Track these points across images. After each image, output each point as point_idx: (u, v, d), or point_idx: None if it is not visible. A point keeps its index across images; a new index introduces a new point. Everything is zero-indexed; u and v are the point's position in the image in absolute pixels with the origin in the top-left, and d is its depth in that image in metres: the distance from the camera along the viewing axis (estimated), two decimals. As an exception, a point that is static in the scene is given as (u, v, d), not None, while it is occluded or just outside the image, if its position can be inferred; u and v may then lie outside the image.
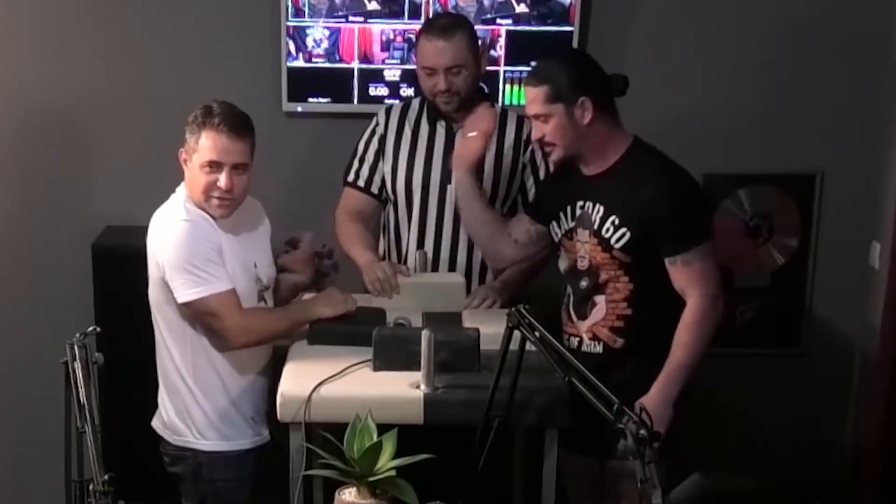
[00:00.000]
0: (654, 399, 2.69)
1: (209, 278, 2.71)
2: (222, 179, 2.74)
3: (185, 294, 2.72)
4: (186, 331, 2.80)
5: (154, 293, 2.82)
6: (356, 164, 3.34)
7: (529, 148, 3.27)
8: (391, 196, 3.33)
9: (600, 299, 2.85)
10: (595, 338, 2.87)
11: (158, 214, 2.84)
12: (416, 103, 3.35)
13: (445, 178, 3.25)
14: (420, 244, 3.29)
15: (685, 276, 2.74)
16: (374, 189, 3.34)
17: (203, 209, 2.79)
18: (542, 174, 3.29)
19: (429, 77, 3.18)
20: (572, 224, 2.88)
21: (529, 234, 3.05)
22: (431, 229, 3.27)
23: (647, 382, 2.73)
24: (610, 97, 2.82)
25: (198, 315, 2.75)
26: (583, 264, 2.87)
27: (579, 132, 2.77)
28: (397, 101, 3.46)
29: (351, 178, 3.34)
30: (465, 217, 3.15)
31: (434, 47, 3.14)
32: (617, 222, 2.78)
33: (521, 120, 3.28)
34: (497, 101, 3.63)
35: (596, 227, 2.82)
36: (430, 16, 3.55)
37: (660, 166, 2.80)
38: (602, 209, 2.80)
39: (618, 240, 2.78)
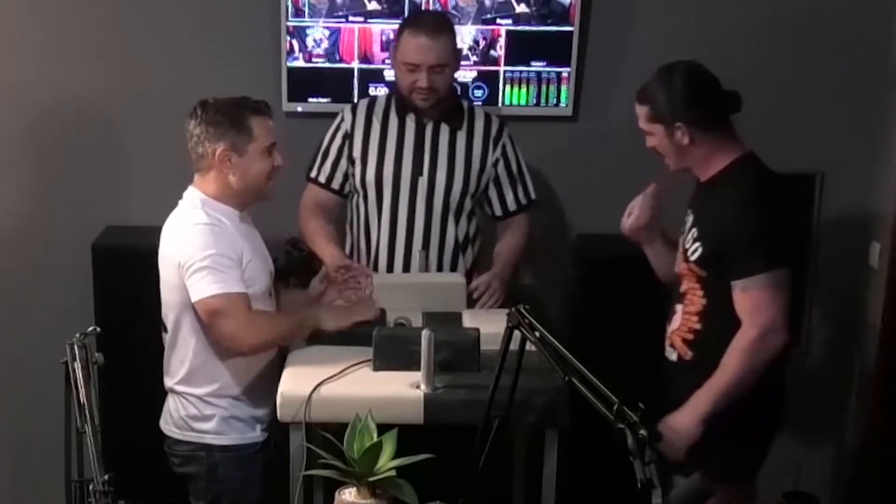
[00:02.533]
0: (683, 415, 2.65)
1: (225, 278, 2.70)
2: (279, 159, 2.82)
3: (200, 291, 2.70)
4: (206, 330, 2.79)
5: (174, 296, 2.79)
6: (319, 160, 3.36)
7: (501, 143, 3.32)
8: (359, 190, 3.33)
9: (679, 308, 2.83)
10: (672, 345, 2.85)
11: (175, 220, 2.82)
12: (382, 99, 3.37)
13: (417, 170, 3.27)
14: (392, 237, 3.30)
15: (741, 303, 2.66)
16: (336, 185, 3.36)
17: (249, 199, 2.83)
18: (514, 167, 3.36)
19: (410, 73, 3.18)
20: (683, 228, 2.87)
21: None
22: (403, 222, 3.28)
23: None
24: (717, 117, 2.75)
25: (206, 315, 2.74)
26: (677, 270, 2.87)
27: (682, 152, 2.74)
28: (363, 99, 3.46)
29: (313, 174, 3.37)
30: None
31: (420, 44, 3.15)
32: (696, 235, 2.75)
33: (488, 116, 3.36)
34: (466, 101, 3.62)
35: (683, 236, 2.82)
36: (418, 11, 3.55)
37: (751, 186, 2.72)
38: (691, 219, 2.80)
39: (693, 252, 2.75)
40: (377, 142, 3.29)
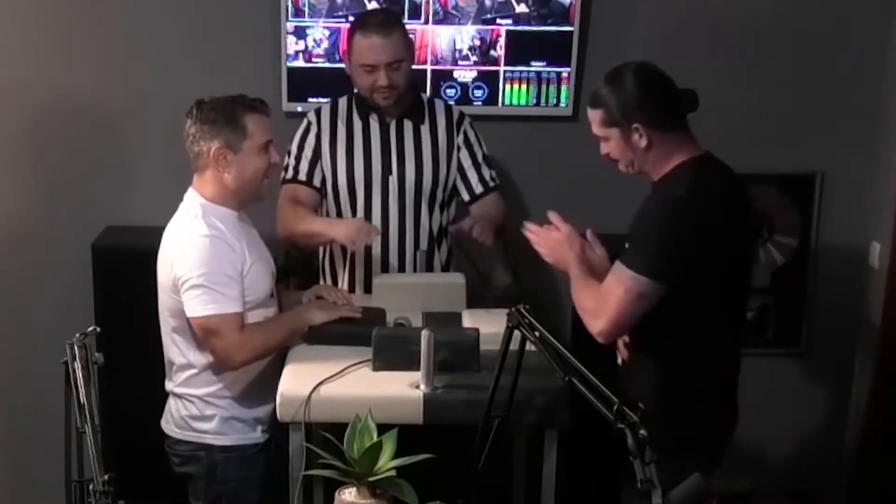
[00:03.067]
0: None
1: (220, 298, 2.71)
2: (275, 156, 2.82)
3: (193, 310, 2.72)
4: None
5: (174, 301, 2.79)
6: (293, 162, 3.32)
7: (462, 129, 3.34)
8: (331, 193, 3.33)
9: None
10: (618, 349, 2.84)
11: (176, 227, 2.81)
12: (343, 101, 3.36)
13: (386, 169, 3.28)
14: None
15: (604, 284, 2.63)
16: (317, 182, 3.33)
17: (247, 199, 2.82)
18: (479, 154, 3.36)
19: (368, 74, 3.18)
20: None
21: None
22: (377, 220, 3.27)
23: (651, 401, 2.47)
24: (673, 117, 2.69)
25: (200, 331, 2.75)
26: None
27: (638, 154, 2.68)
28: (325, 101, 3.43)
29: (289, 175, 3.31)
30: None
31: (373, 44, 3.15)
32: (621, 258, 2.67)
33: (448, 107, 3.39)
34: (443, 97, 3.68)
35: None
36: (363, 11, 3.52)
37: (678, 194, 2.62)
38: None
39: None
40: (344, 145, 3.30)
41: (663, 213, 2.60)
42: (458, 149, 3.35)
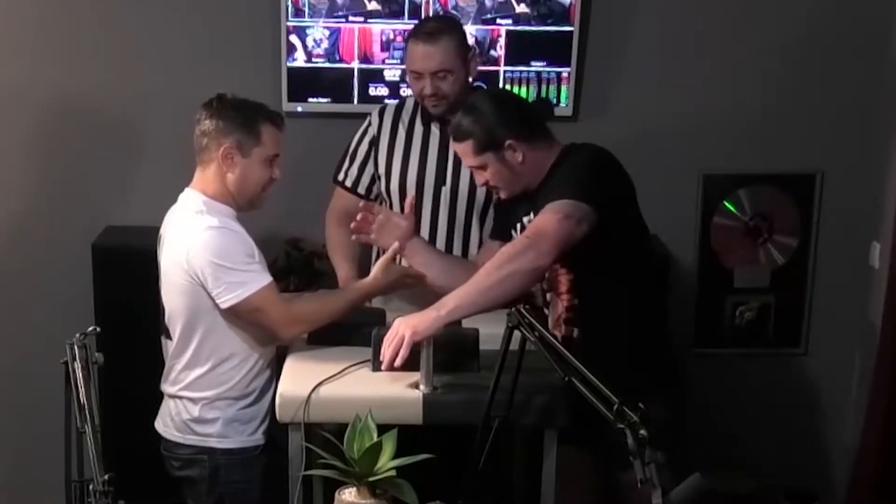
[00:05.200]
0: (431, 309, 2.61)
1: (246, 278, 2.71)
2: (277, 172, 2.84)
3: (227, 299, 2.71)
4: (218, 333, 2.79)
5: (183, 301, 2.77)
6: (346, 163, 3.36)
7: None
8: (385, 197, 3.33)
9: (550, 297, 2.84)
10: (561, 329, 2.83)
11: (181, 224, 2.79)
12: (410, 103, 3.36)
13: (440, 179, 3.26)
14: None
15: (532, 222, 2.71)
16: (362, 190, 3.35)
17: (242, 205, 2.81)
18: None
19: (416, 81, 3.18)
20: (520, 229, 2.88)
21: None
22: (426, 231, 3.26)
23: (602, 370, 2.50)
24: (538, 126, 2.83)
25: (243, 315, 2.75)
26: None
27: (517, 171, 2.79)
28: (392, 101, 3.46)
29: (340, 177, 3.37)
30: (431, 278, 3.04)
31: (420, 51, 3.14)
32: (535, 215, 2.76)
33: None
34: None
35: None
36: (423, 18, 3.54)
37: (581, 154, 2.80)
38: (534, 214, 2.79)
39: None
40: (402, 150, 3.29)
41: (585, 160, 2.76)
42: None
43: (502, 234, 3.01)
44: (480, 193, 3.25)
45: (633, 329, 2.82)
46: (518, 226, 2.91)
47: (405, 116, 3.33)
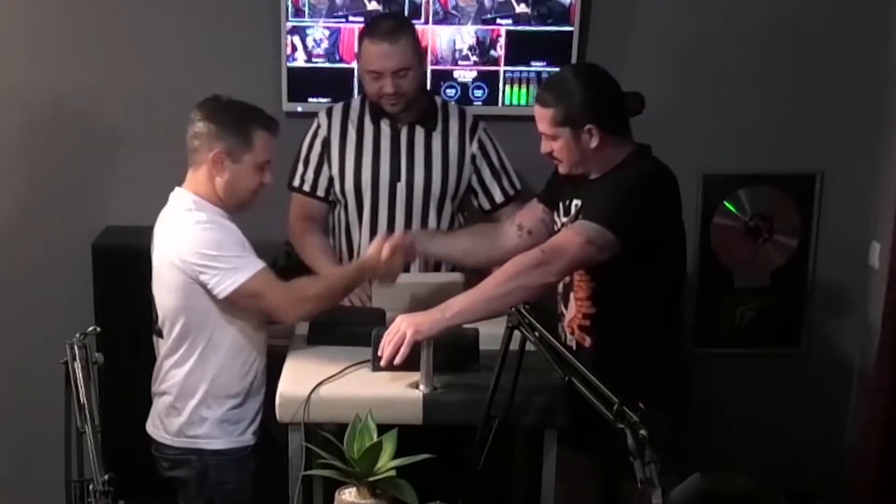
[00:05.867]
0: (435, 310, 2.62)
1: (239, 264, 2.70)
2: (268, 177, 2.80)
3: (224, 288, 2.70)
4: (209, 332, 2.78)
5: (175, 299, 2.77)
6: (301, 168, 3.34)
7: (476, 137, 3.32)
8: (340, 198, 3.33)
9: (571, 296, 2.84)
10: (571, 334, 2.86)
11: (171, 222, 2.79)
12: (356, 103, 3.36)
13: (395, 175, 3.27)
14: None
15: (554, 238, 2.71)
16: (321, 193, 3.34)
17: (231, 207, 2.80)
18: (495, 160, 3.35)
19: (375, 80, 3.17)
20: (564, 220, 2.86)
21: (544, 223, 3.00)
22: (383, 229, 3.26)
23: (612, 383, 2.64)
24: (622, 118, 2.77)
25: (243, 303, 2.74)
26: None
27: (586, 155, 2.73)
28: (338, 103, 3.42)
29: (296, 183, 3.34)
30: (452, 261, 3.16)
31: (379, 51, 3.14)
32: (581, 218, 2.73)
33: (462, 112, 3.35)
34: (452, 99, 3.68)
35: (569, 219, 2.81)
36: (375, 16, 3.50)
37: (640, 169, 2.73)
38: (578, 203, 2.78)
39: None
40: (353, 150, 3.29)
41: (634, 180, 2.69)
42: (474, 157, 3.33)
43: (549, 200, 2.97)
44: (436, 187, 3.27)
45: (648, 345, 2.78)
46: (562, 205, 2.87)
47: (353, 116, 3.32)
